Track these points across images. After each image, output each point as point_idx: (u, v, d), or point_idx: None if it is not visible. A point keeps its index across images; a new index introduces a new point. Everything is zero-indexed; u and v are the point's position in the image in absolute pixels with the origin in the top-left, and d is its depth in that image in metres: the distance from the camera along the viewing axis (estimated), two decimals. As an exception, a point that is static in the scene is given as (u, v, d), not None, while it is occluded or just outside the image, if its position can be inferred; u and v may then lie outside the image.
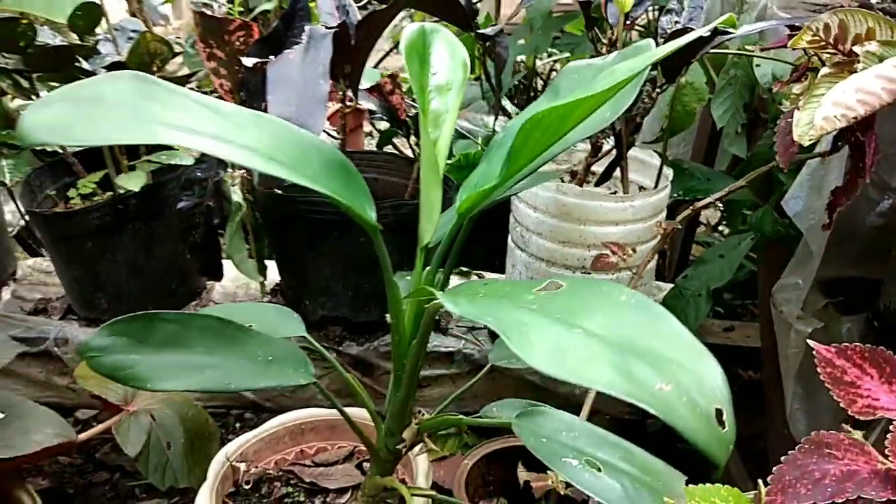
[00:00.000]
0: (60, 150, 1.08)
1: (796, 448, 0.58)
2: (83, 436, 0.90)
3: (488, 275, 1.24)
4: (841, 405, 0.60)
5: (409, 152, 1.29)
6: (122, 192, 0.97)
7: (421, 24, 0.70)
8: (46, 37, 0.95)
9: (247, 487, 0.85)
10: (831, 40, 0.71)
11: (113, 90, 0.49)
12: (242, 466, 0.86)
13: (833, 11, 0.70)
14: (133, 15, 1.48)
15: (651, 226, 0.92)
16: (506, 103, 1.55)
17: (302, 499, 0.86)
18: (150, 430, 0.87)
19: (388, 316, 0.66)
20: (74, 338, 1.07)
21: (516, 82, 1.50)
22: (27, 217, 1.03)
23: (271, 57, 0.70)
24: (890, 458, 0.53)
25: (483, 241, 1.37)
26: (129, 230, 1.00)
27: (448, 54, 0.70)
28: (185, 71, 1.06)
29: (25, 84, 1.00)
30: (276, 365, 0.64)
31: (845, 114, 0.63)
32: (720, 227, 1.72)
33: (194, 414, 0.96)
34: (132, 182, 0.92)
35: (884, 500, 0.51)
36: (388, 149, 1.43)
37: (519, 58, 1.48)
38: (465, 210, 0.62)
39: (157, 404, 0.93)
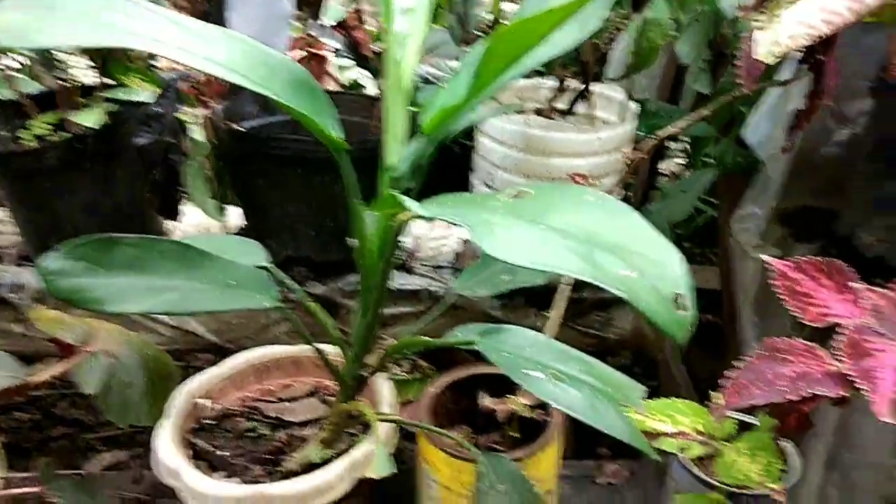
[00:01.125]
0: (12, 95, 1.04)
1: (751, 354, 0.59)
2: (37, 377, 0.88)
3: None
4: (795, 316, 0.62)
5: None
6: (78, 130, 0.95)
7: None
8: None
9: (210, 423, 0.85)
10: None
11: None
12: (206, 403, 0.86)
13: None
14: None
15: (617, 158, 0.93)
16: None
17: (266, 432, 0.86)
18: (110, 370, 0.85)
19: (353, 248, 0.65)
20: (30, 284, 1.04)
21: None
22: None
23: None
24: (841, 359, 0.55)
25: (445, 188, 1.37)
26: (87, 169, 0.97)
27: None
28: None
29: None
30: (239, 288, 0.63)
31: (809, 32, 0.63)
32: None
33: (154, 354, 0.94)
34: (90, 118, 0.89)
35: (837, 396, 0.53)
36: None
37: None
38: (432, 130, 0.62)
39: (115, 346, 0.91)
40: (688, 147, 1.31)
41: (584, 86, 0.91)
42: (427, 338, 0.68)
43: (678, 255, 0.40)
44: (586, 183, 0.86)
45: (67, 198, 0.99)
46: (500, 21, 1.55)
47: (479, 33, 1.10)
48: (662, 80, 1.22)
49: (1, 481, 0.80)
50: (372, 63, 1.04)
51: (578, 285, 0.99)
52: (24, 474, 0.88)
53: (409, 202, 0.46)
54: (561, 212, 0.43)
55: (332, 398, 0.88)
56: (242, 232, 1.13)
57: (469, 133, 1.03)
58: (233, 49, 0.54)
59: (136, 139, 0.95)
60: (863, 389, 0.51)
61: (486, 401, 0.85)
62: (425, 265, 1.11)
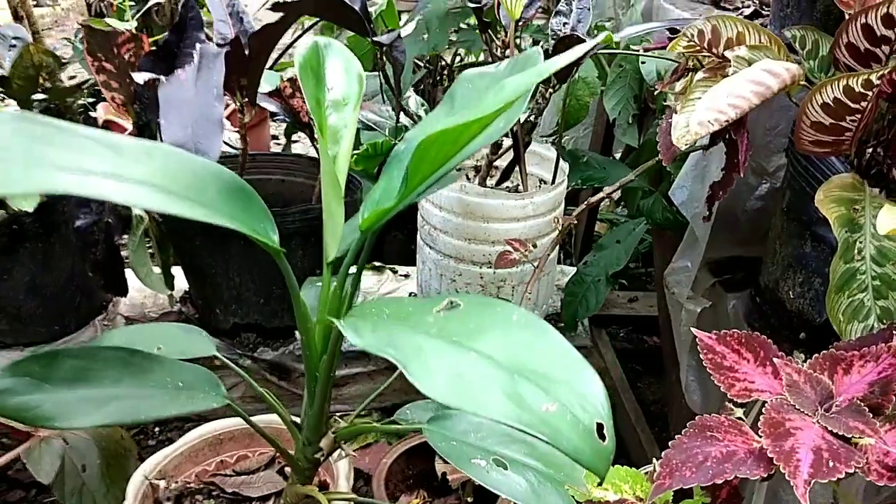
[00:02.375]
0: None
1: (682, 432, 0.63)
2: (-8, 465, 0.88)
3: (403, 269, 1.26)
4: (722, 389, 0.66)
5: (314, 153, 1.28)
6: (14, 210, 0.94)
7: (314, 39, 0.70)
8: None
9: (169, 504, 0.85)
10: (706, 45, 0.76)
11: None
12: (162, 483, 0.86)
13: (706, 18, 0.74)
14: (14, 11, 1.40)
15: (551, 219, 0.96)
16: (411, 94, 1.56)
17: (226, 510, 0.87)
18: (63, 455, 0.85)
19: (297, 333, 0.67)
20: (-27, 362, 1.02)
21: (423, 67, 1.51)
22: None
23: (162, 78, 0.69)
24: (762, 437, 0.58)
25: (401, 228, 1.39)
26: (25, 250, 0.96)
27: (343, 68, 0.71)
28: (81, 78, 1.02)
29: None
30: (186, 391, 0.64)
31: (718, 118, 0.68)
32: (621, 203, 1.80)
33: (108, 432, 0.94)
34: (26, 202, 0.89)
35: (757, 477, 0.56)
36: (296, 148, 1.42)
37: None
38: (367, 227, 0.64)
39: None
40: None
41: (516, 156, 0.94)
42: (377, 424, 0.70)
43: (597, 379, 0.43)
44: (523, 249, 0.89)
45: (7, 279, 0.98)
46: (438, 69, 1.59)
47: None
48: (594, 128, 1.27)
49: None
50: (310, 125, 1.06)
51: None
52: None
53: (344, 328, 0.48)
54: (490, 335, 0.45)
55: (290, 469, 0.89)
56: (188, 296, 1.13)
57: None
58: (160, 166, 0.55)
59: (75, 221, 0.95)
60: (783, 470, 0.55)
61: (440, 466, 0.87)
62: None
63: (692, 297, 0.98)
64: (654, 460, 0.77)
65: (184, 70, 0.69)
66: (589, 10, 0.93)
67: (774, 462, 0.56)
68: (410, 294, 1.18)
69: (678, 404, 1.16)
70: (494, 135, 0.69)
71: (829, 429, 0.59)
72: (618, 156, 1.26)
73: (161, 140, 0.64)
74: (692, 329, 0.70)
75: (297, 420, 0.74)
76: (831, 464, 0.56)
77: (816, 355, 0.64)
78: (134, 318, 1.10)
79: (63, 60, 0.94)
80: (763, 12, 1.15)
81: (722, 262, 1.01)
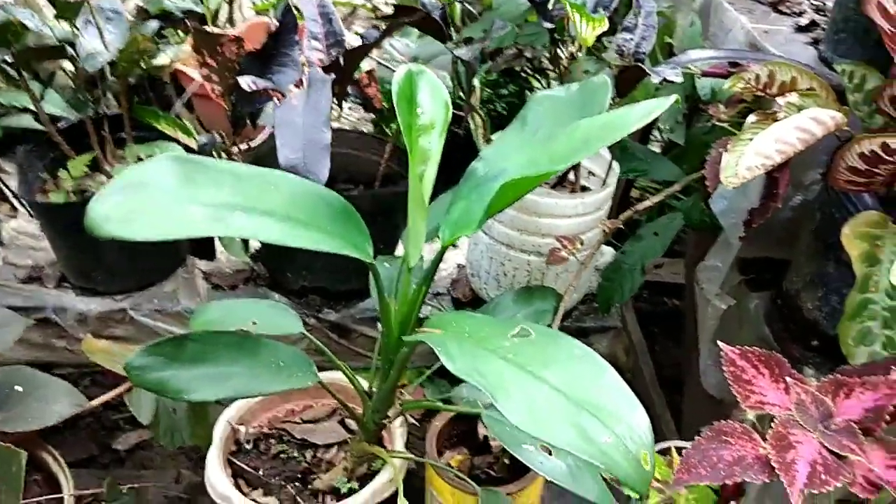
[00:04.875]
0: (44, 129, 1.12)
1: (701, 434, 0.74)
2: (94, 402, 1.02)
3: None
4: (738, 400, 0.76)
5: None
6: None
7: (408, 67, 0.78)
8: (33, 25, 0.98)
9: (248, 447, 0.99)
10: (761, 86, 0.83)
11: (155, 175, 0.59)
12: (242, 428, 1.00)
13: (764, 63, 0.81)
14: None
15: (598, 217, 1.06)
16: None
17: (295, 454, 1.01)
18: (157, 399, 0.99)
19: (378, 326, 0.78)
20: (72, 307, 1.16)
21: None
22: (32, 206, 1.09)
23: (275, 101, 0.78)
24: (769, 447, 0.69)
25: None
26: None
27: (431, 95, 0.79)
28: (166, 57, 1.10)
29: (15, 75, 1.04)
30: (286, 369, 0.76)
31: (764, 162, 0.76)
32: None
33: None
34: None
35: (764, 481, 0.68)
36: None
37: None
38: (447, 244, 0.74)
39: (160, 373, 1.04)
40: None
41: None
42: (439, 403, 0.82)
43: (645, 416, 0.54)
44: (571, 246, 0.99)
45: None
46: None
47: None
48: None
49: (71, 498, 0.95)
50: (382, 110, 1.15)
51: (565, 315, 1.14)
52: (92, 491, 1.01)
53: (440, 353, 0.59)
54: (557, 367, 0.56)
55: (350, 420, 1.02)
56: (258, 257, 1.24)
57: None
58: (281, 195, 0.66)
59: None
60: (782, 479, 0.66)
61: (482, 430, 1.00)
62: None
63: (719, 294, 1.08)
64: (673, 449, 0.89)
65: (295, 95, 0.77)
66: (654, 27, 0.99)
67: (776, 470, 0.67)
68: (458, 266, 1.29)
69: (693, 380, 1.27)
70: (564, 168, 0.78)
71: (826, 445, 0.69)
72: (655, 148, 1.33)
73: (277, 158, 0.74)
74: (720, 343, 0.80)
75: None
76: (824, 476, 0.67)
77: (824, 379, 0.74)
78: (210, 273, 1.22)
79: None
80: (819, 23, 1.20)
81: (749, 262, 1.10)
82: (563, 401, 0.53)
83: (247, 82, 0.85)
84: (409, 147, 0.75)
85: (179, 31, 1.26)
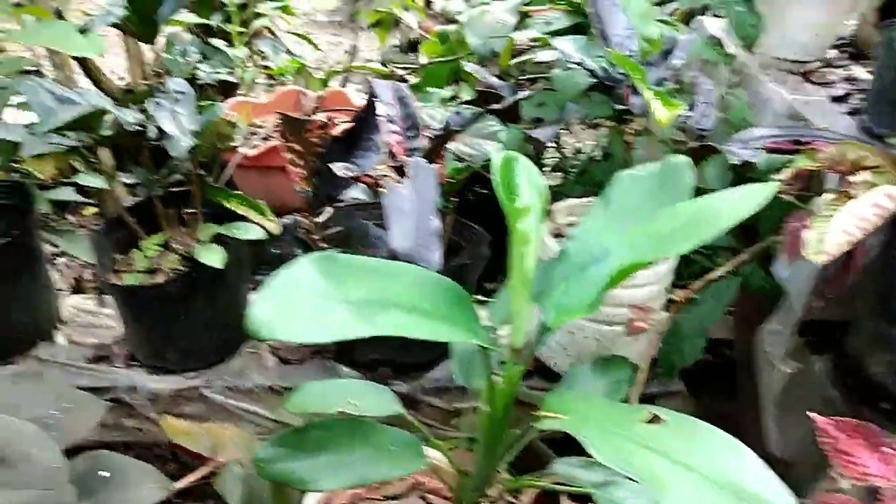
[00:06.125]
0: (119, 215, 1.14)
1: (810, 508, 0.75)
2: (179, 485, 1.02)
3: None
4: (841, 472, 0.78)
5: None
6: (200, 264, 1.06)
7: (506, 154, 0.82)
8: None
9: (333, 526, 0.99)
10: (832, 164, 0.87)
11: (302, 276, 0.61)
12: (327, 506, 1.00)
13: (838, 145, 0.86)
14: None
15: (667, 286, 1.09)
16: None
17: (379, 534, 1.01)
18: (245, 480, 0.99)
19: (478, 402, 0.80)
20: (143, 386, 1.16)
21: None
22: (107, 287, 1.10)
23: (384, 189, 0.80)
24: (882, 522, 0.71)
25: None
26: (199, 295, 1.10)
27: (527, 181, 0.82)
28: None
29: (92, 159, 1.07)
30: (399, 453, 0.78)
31: (848, 240, 0.79)
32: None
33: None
34: (213, 258, 1.01)
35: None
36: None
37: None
38: (555, 325, 0.76)
39: (241, 453, 1.05)
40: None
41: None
42: (545, 482, 0.83)
43: (788, 493, 0.56)
44: (645, 316, 1.02)
45: (182, 319, 1.11)
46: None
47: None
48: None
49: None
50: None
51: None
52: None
53: (587, 445, 0.60)
54: (704, 457, 0.58)
55: (431, 495, 1.03)
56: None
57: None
58: (406, 285, 0.68)
59: (255, 277, 1.08)
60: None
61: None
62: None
63: (784, 359, 1.11)
64: None
65: (402, 183, 0.80)
66: (712, 105, 1.04)
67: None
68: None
69: (753, 439, 1.29)
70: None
71: (937, 516, 0.71)
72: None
73: (391, 245, 0.76)
74: (811, 414, 0.82)
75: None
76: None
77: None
78: (277, 346, 1.23)
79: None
80: (852, 93, 1.26)
81: (810, 324, 1.13)
82: (719, 491, 0.55)
83: (340, 169, 0.88)
84: (509, 230, 0.78)
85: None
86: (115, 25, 0.89)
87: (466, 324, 0.70)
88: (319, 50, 2.63)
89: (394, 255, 0.83)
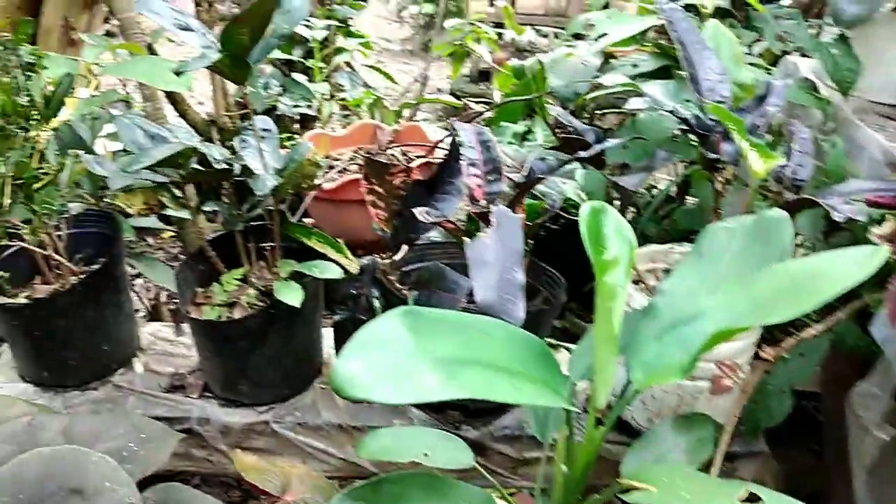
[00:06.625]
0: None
1: None
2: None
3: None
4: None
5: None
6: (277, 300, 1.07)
7: (591, 204, 0.79)
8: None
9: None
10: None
11: (389, 332, 0.60)
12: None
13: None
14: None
15: (752, 340, 1.04)
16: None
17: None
18: (311, 522, 0.98)
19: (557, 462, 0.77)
20: (216, 418, 1.17)
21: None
22: (187, 320, 1.13)
23: (467, 240, 0.79)
24: None
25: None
26: (275, 330, 1.10)
27: (615, 233, 0.79)
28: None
29: (179, 194, 1.10)
30: (475, 511, 0.75)
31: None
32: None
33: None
34: (292, 296, 1.02)
35: None
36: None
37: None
38: (643, 387, 0.73)
39: (309, 492, 1.04)
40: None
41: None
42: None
43: None
44: (733, 373, 0.97)
45: (257, 353, 1.12)
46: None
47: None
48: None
49: None
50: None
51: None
52: None
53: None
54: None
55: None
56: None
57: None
58: (495, 344, 0.67)
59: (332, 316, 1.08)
60: None
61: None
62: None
63: (879, 424, 1.04)
64: None
65: (486, 233, 0.79)
66: (809, 154, 0.99)
67: None
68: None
69: (841, 500, 1.21)
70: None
71: None
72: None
73: (475, 298, 0.75)
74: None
75: None
76: None
77: None
78: (346, 383, 1.23)
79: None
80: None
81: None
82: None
83: (422, 214, 0.88)
84: (596, 283, 0.75)
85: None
86: (209, 68, 0.91)
87: (552, 385, 0.68)
88: (395, 83, 2.66)
89: (473, 301, 0.82)
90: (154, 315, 1.68)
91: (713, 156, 0.95)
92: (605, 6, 2.15)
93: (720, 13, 1.32)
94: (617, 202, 1.28)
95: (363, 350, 0.59)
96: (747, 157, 0.87)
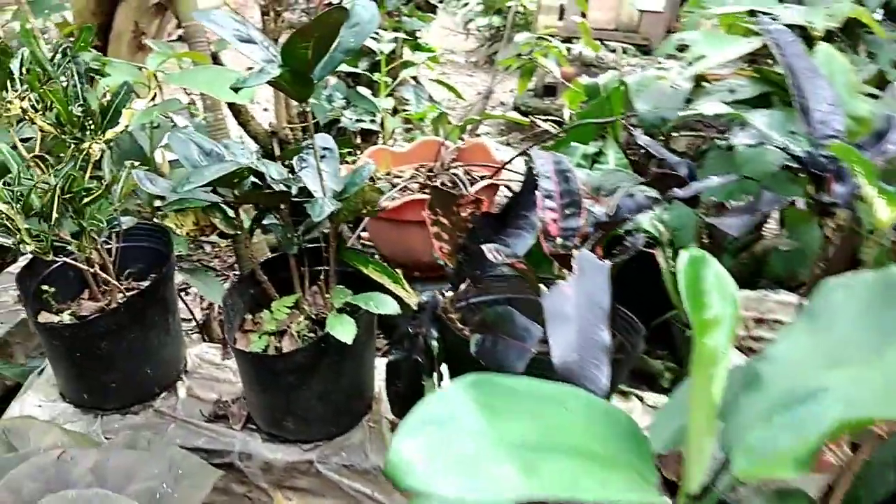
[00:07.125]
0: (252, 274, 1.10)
1: None
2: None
3: (649, 397, 1.23)
4: None
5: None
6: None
7: (690, 253, 0.69)
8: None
9: None
10: None
11: (455, 407, 0.51)
12: None
13: None
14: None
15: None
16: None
17: None
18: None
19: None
20: (258, 454, 1.10)
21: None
22: (233, 351, 1.06)
23: (544, 289, 0.70)
24: None
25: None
26: (324, 365, 1.03)
27: (717, 288, 0.69)
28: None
29: (231, 214, 1.03)
30: None
31: None
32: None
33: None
34: (345, 332, 0.94)
35: None
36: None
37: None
38: (748, 477, 0.62)
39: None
40: None
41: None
42: None
43: None
44: (836, 449, 0.84)
45: (304, 389, 1.04)
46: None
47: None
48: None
49: None
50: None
51: None
52: None
53: None
54: None
55: None
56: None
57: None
58: (578, 422, 0.57)
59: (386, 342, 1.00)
60: None
61: None
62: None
63: None
64: None
65: (566, 282, 0.69)
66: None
67: None
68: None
69: None
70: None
71: None
72: None
73: (552, 359, 0.65)
74: None
75: None
76: None
77: None
78: (396, 423, 1.14)
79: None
80: None
81: None
82: None
83: (491, 252, 0.78)
84: (695, 344, 0.65)
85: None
86: (269, 83, 0.84)
87: (643, 473, 0.58)
88: (463, 99, 2.58)
89: (543, 352, 0.72)
90: (204, 329, 1.63)
91: (828, 199, 0.83)
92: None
93: (827, 35, 1.19)
94: (705, 240, 1.16)
95: (426, 430, 0.49)
96: (872, 203, 0.75)
